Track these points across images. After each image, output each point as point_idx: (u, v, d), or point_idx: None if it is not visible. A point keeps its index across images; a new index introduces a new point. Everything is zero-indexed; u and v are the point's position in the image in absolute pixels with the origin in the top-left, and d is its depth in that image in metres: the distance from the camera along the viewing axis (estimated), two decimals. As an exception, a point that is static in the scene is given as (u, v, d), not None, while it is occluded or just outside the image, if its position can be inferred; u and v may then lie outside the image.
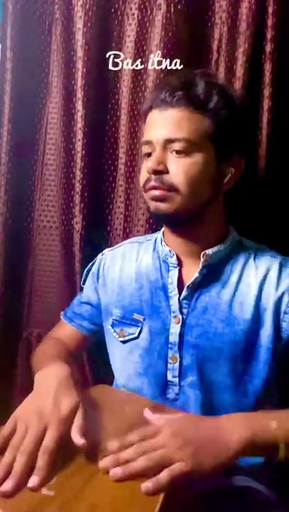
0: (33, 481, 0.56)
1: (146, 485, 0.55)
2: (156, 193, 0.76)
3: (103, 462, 0.58)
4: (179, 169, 0.75)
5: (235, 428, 0.61)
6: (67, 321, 0.98)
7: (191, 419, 0.67)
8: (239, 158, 0.81)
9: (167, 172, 0.76)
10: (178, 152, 0.75)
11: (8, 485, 0.55)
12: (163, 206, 0.77)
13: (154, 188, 0.77)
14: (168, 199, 0.76)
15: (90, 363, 1.12)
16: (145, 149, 0.80)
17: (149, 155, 0.79)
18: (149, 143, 0.78)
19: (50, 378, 0.70)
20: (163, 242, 0.87)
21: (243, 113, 0.87)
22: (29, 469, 0.57)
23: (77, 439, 0.61)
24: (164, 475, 0.56)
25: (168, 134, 0.75)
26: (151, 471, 0.56)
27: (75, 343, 0.96)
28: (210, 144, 0.77)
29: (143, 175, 0.80)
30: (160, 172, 0.76)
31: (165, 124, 0.76)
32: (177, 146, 0.75)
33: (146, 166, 0.79)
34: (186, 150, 0.75)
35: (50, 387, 0.68)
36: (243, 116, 0.84)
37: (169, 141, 0.76)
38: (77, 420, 0.64)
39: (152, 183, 0.77)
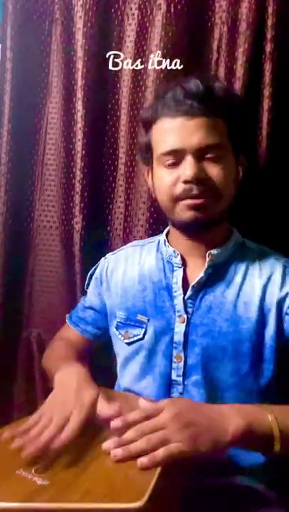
0: (61, 437, 0.61)
1: (142, 460, 0.57)
2: (199, 201, 0.77)
3: (106, 444, 0.61)
4: (219, 175, 0.77)
5: (232, 417, 0.62)
6: (73, 326, 0.99)
7: (193, 404, 0.68)
8: (243, 157, 0.84)
9: (209, 179, 0.76)
10: (214, 158, 0.76)
11: (31, 448, 0.60)
12: (200, 215, 0.77)
13: (197, 196, 0.76)
14: (207, 207, 0.77)
15: (90, 367, 1.11)
16: (168, 159, 0.78)
17: (174, 165, 0.78)
18: (177, 152, 0.77)
19: (70, 376, 0.73)
20: (167, 243, 0.87)
21: (245, 113, 0.89)
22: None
23: (108, 410, 0.66)
24: (160, 451, 0.57)
25: (202, 142, 0.76)
26: (151, 451, 0.58)
27: (80, 346, 0.97)
28: (230, 147, 0.80)
29: (169, 185, 0.78)
30: (202, 180, 0.76)
31: (196, 131, 0.76)
32: (212, 152, 0.76)
33: (175, 175, 0.77)
34: (220, 155, 0.77)
35: (70, 384, 0.71)
36: (245, 116, 0.86)
37: (203, 149, 0.76)
38: (101, 403, 0.68)
39: (195, 192, 0.76)
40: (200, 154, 0.76)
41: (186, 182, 0.76)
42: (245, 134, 0.85)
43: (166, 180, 0.79)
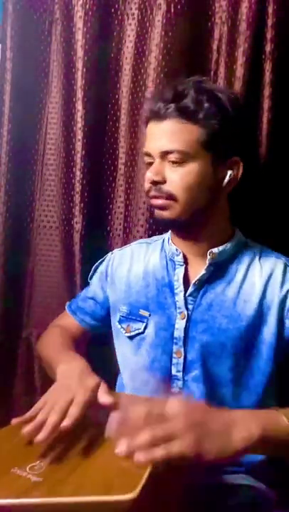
0: (66, 422, 0.62)
1: (138, 456, 0.53)
2: (157, 202, 0.81)
3: (119, 449, 0.56)
4: (175, 178, 0.78)
5: (246, 425, 0.60)
6: (71, 314, 1.01)
7: (206, 407, 0.65)
8: (237, 160, 0.82)
9: (164, 182, 0.79)
10: (173, 163, 0.78)
11: (41, 436, 0.61)
12: (165, 214, 0.81)
13: (155, 197, 0.80)
14: (168, 207, 0.80)
15: (91, 364, 1.11)
16: (146, 159, 0.83)
17: (150, 164, 0.82)
18: (148, 154, 0.82)
19: (72, 369, 0.75)
20: (170, 242, 0.89)
21: (241, 114, 0.85)
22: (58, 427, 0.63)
23: (106, 398, 0.68)
24: (159, 449, 0.54)
25: (163, 146, 0.78)
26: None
27: (76, 335, 0.99)
28: (204, 152, 0.78)
29: (146, 184, 0.83)
30: (158, 182, 0.79)
31: (160, 136, 0.79)
32: (172, 157, 0.78)
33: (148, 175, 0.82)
34: (180, 160, 0.78)
35: (73, 373, 0.73)
36: (238, 118, 0.83)
37: (165, 153, 0.79)
38: (103, 388, 0.70)
39: (152, 193, 0.81)
40: (165, 157, 0.79)
41: (147, 183, 0.81)
42: (233, 137, 0.81)
43: (145, 178, 0.83)
